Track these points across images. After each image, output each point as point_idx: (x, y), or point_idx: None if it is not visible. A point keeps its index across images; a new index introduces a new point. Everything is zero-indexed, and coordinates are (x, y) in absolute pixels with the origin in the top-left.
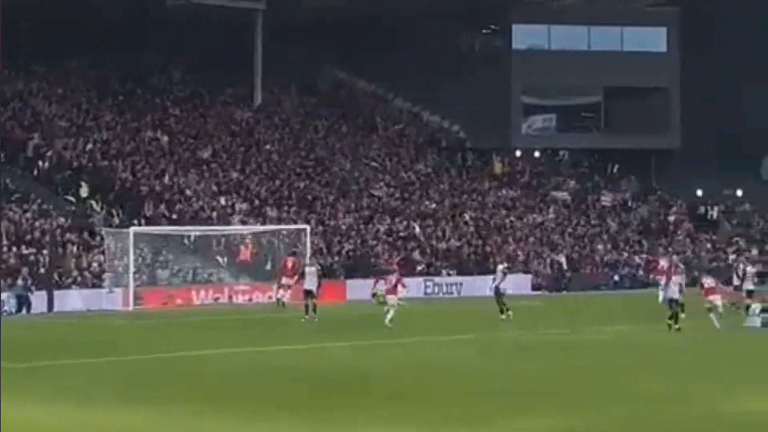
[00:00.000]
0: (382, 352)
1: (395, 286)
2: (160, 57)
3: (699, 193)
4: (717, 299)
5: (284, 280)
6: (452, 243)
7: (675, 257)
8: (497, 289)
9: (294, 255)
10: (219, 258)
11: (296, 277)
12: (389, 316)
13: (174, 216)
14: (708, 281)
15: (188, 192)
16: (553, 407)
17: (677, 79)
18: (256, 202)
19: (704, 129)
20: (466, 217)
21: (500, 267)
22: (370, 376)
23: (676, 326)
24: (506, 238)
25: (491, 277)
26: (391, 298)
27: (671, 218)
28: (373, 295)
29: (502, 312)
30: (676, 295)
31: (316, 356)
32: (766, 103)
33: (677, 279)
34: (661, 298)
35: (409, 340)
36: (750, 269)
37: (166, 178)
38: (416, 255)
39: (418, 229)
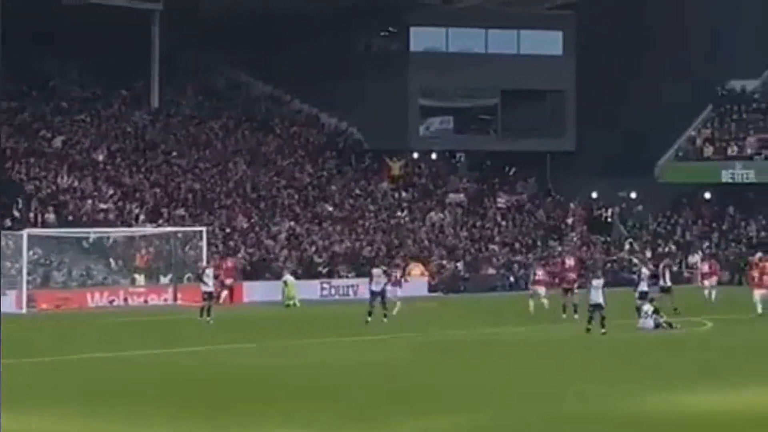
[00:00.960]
0: (281, 354)
1: (399, 280)
2: (56, 58)
3: (594, 195)
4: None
5: (228, 281)
6: (349, 245)
7: (598, 257)
8: (373, 292)
9: (233, 255)
10: (113, 260)
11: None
12: (396, 309)
13: (69, 218)
14: (539, 273)
15: (83, 194)
16: (445, 407)
17: (573, 82)
18: (153, 204)
19: (600, 131)
20: (364, 219)
21: (375, 270)
22: (264, 378)
23: (603, 330)
24: (404, 240)
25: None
26: (395, 290)
27: (569, 221)
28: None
29: (370, 314)
30: (600, 299)
31: (210, 358)
32: (660, 105)
33: (598, 283)
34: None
35: (307, 342)
36: (645, 270)
37: (62, 180)
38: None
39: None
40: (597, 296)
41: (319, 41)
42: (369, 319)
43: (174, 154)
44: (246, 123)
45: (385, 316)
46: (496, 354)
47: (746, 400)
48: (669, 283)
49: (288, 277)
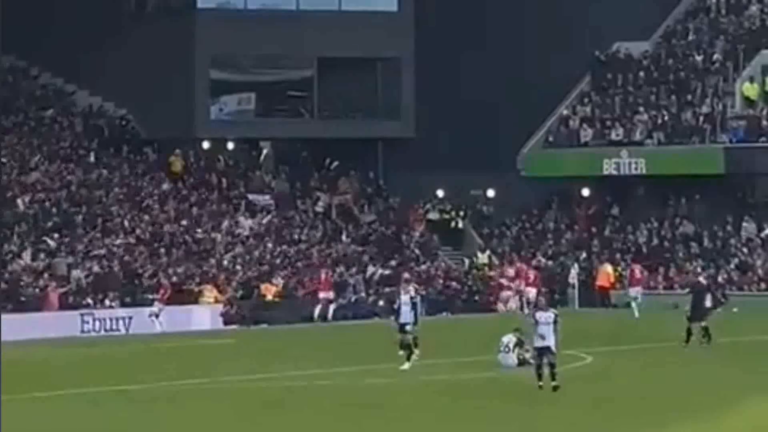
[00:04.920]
0: None
1: None
2: None
3: (440, 194)
4: None
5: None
6: (123, 265)
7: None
8: None
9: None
10: None
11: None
12: None
13: None
14: None
15: None
16: None
17: (411, 48)
18: None
19: (446, 112)
20: (141, 230)
21: None
22: None
23: (554, 383)
24: (201, 259)
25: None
26: None
27: (416, 232)
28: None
29: None
30: (550, 341)
31: None
32: (524, 77)
33: (546, 317)
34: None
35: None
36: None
37: None
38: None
39: None
40: (547, 336)
41: None
42: None
43: None
44: None
45: None
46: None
47: None
48: (710, 304)
49: None
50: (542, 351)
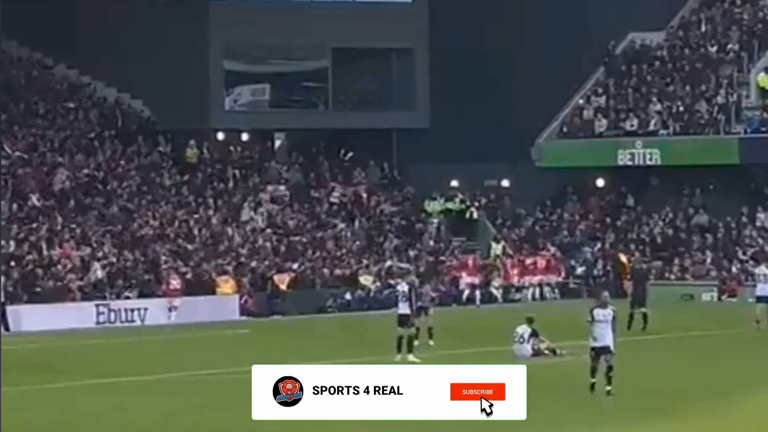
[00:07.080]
0: None
1: None
2: None
3: (454, 184)
4: None
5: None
6: (136, 255)
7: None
8: None
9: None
10: None
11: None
12: None
13: None
14: None
15: None
16: None
17: (425, 39)
18: None
19: (461, 102)
20: (156, 220)
21: None
22: None
23: (608, 387)
24: (216, 249)
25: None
26: None
27: (433, 225)
28: None
29: None
30: (608, 340)
31: None
32: (538, 67)
33: (605, 314)
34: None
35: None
36: None
37: None
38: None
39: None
40: (604, 335)
41: None
42: None
43: None
44: None
45: None
46: None
47: None
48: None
49: None
50: (600, 351)
